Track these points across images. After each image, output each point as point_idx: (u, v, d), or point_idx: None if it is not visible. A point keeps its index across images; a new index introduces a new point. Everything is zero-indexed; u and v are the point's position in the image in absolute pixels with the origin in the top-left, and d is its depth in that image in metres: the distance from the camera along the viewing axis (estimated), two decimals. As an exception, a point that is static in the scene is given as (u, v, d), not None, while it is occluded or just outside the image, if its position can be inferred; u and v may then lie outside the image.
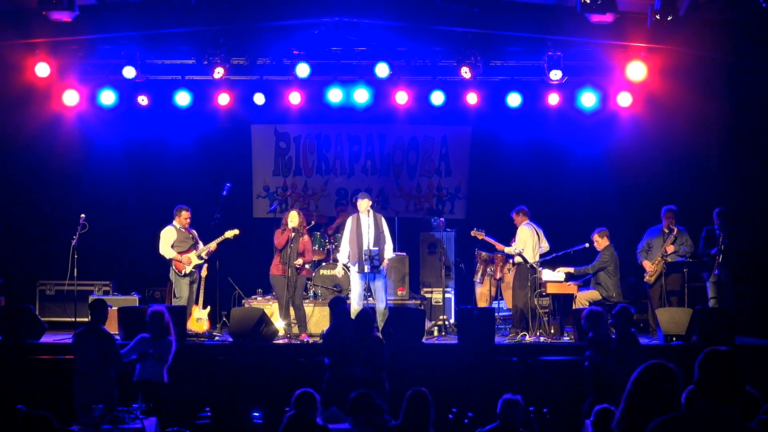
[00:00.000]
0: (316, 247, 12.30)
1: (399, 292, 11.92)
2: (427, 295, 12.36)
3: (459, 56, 11.61)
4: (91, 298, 11.61)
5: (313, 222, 12.21)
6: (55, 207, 13.10)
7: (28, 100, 12.22)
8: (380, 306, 10.76)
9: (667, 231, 11.24)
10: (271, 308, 11.41)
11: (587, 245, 11.38)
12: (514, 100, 12.26)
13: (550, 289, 11.13)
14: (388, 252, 11.16)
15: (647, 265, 11.23)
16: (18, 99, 12.11)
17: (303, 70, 11.71)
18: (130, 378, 8.28)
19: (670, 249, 11.06)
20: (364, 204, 11.17)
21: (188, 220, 11.28)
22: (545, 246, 11.44)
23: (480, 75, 11.79)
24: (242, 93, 12.45)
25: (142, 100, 12.34)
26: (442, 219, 12.17)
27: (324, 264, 12.41)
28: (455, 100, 12.36)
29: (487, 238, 11.55)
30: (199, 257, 11.17)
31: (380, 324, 10.38)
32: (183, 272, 11.07)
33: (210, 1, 10.95)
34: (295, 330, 10.97)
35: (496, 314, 10.98)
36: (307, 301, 11.72)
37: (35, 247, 13.03)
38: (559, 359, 9.97)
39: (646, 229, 11.53)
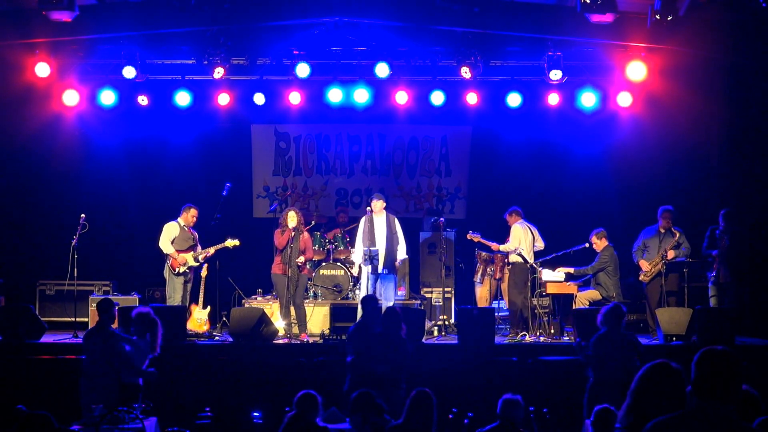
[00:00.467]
0: (316, 247, 12.30)
1: (399, 292, 11.93)
2: (427, 295, 12.38)
3: (459, 56, 11.61)
4: (92, 299, 11.67)
5: (313, 222, 12.20)
6: (55, 207, 13.10)
7: (28, 100, 12.22)
8: (387, 306, 10.78)
9: (663, 231, 11.24)
10: (271, 308, 11.42)
11: (587, 245, 11.39)
12: (514, 100, 12.26)
13: (550, 289, 11.14)
14: (401, 253, 11.31)
15: (644, 264, 11.24)
16: (18, 99, 12.11)
17: (303, 70, 11.71)
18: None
19: (672, 254, 11.07)
20: (378, 205, 11.26)
21: (195, 219, 11.32)
22: (540, 244, 11.46)
23: (480, 75, 11.79)
24: (242, 93, 12.45)
25: (142, 100, 12.34)
26: (442, 219, 12.17)
27: (324, 264, 12.41)
28: (455, 100, 12.37)
29: (483, 240, 11.62)
30: (195, 260, 11.19)
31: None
32: (177, 270, 11.07)
33: (210, 1, 10.95)
34: (295, 330, 10.98)
35: (496, 314, 10.98)
36: (307, 301, 11.72)
37: (35, 247, 13.04)
38: (559, 359, 9.97)
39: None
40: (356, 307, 11.43)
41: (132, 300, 11.65)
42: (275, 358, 10.10)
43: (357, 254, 11.40)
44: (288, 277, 10.91)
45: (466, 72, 11.58)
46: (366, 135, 14.09)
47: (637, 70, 11.45)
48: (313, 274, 12.23)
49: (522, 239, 11.32)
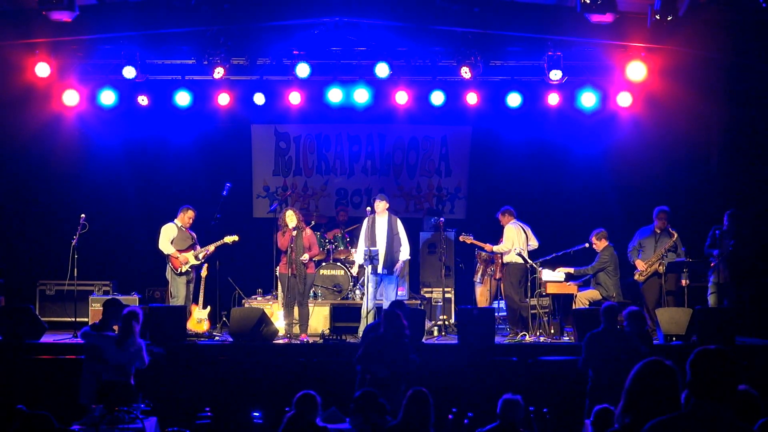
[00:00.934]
0: (317, 247, 12.31)
1: (399, 292, 11.93)
2: (427, 295, 12.38)
3: (459, 56, 11.61)
4: (92, 299, 11.67)
5: (313, 222, 12.20)
6: (55, 207, 13.10)
7: (28, 100, 12.22)
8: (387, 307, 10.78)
9: (659, 231, 11.27)
10: (271, 308, 11.42)
11: (587, 245, 11.39)
12: (514, 100, 12.26)
13: (550, 289, 11.15)
14: (403, 254, 11.32)
15: (640, 264, 11.26)
16: (18, 99, 12.11)
17: (303, 70, 11.71)
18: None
19: (672, 257, 11.10)
20: (381, 206, 11.29)
21: (191, 221, 11.33)
22: (534, 243, 11.47)
23: (480, 75, 11.79)
24: (242, 93, 12.45)
25: (142, 100, 12.34)
26: (442, 219, 12.17)
27: (324, 264, 12.41)
28: (455, 100, 12.36)
29: (476, 242, 11.66)
30: (196, 258, 11.20)
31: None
32: (179, 270, 11.08)
33: (210, 1, 10.95)
34: (296, 330, 10.98)
35: (496, 314, 10.98)
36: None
37: (35, 247, 13.04)
38: (559, 359, 9.97)
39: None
40: (356, 308, 11.45)
41: (132, 300, 11.64)
42: (275, 358, 10.10)
43: (358, 254, 11.41)
44: (294, 277, 10.90)
45: (466, 72, 11.58)
46: (366, 135, 14.09)
47: (637, 70, 11.45)
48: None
49: (515, 240, 11.32)
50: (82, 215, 11.04)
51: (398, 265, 11.24)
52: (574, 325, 10.57)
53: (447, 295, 11.96)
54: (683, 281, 11.01)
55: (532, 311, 11.16)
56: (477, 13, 10.97)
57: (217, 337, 10.98)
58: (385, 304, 10.72)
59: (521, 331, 11.07)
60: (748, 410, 4.53)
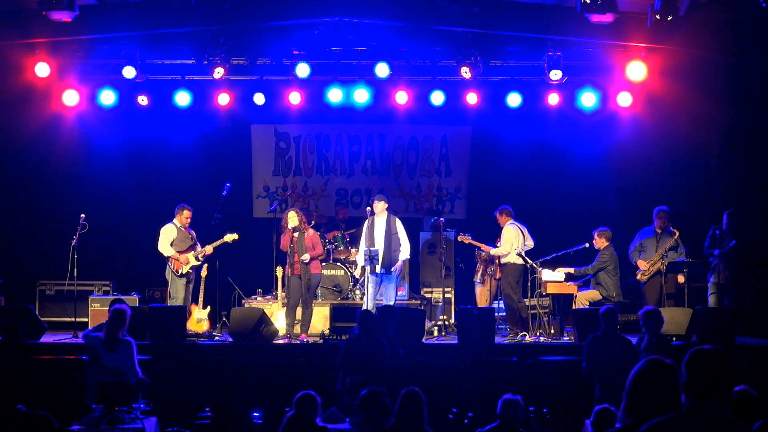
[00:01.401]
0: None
1: (399, 292, 11.94)
2: (427, 295, 12.37)
3: (459, 56, 11.61)
4: (92, 299, 11.66)
5: (313, 222, 12.20)
6: (55, 207, 13.10)
7: (28, 100, 12.22)
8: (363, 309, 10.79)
9: (660, 231, 11.27)
10: (271, 308, 11.41)
11: (587, 245, 11.38)
12: (514, 100, 12.26)
13: (550, 289, 11.14)
14: (403, 254, 11.31)
15: (642, 264, 11.26)
16: (18, 99, 12.11)
17: (303, 70, 11.71)
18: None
19: (674, 255, 11.09)
20: (380, 206, 11.30)
21: (189, 220, 11.30)
22: (530, 243, 11.46)
23: (480, 75, 11.79)
24: (242, 93, 12.45)
25: (142, 100, 12.34)
26: (442, 219, 12.17)
27: (324, 264, 12.39)
28: (455, 100, 12.37)
29: (474, 242, 11.64)
30: (197, 258, 11.19)
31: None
32: (180, 272, 11.08)
33: (210, 1, 10.95)
34: (296, 330, 10.98)
35: (496, 314, 10.97)
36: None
37: (35, 247, 13.03)
38: (559, 359, 9.97)
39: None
40: (356, 308, 11.44)
41: (132, 300, 11.64)
42: (275, 358, 10.09)
43: (359, 256, 11.42)
44: (297, 278, 10.90)
45: (466, 72, 11.58)
46: (366, 135, 14.09)
47: (637, 70, 11.45)
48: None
49: (513, 241, 11.30)
50: (82, 215, 11.03)
51: (397, 265, 11.24)
52: (574, 325, 10.57)
53: (447, 295, 11.97)
54: (680, 277, 11.02)
55: (532, 311, 11.16)
56: (477, 13, 10.97)
57: (217, 337, 10.98)
58: (385, 304, 10.73)
59: (521, 331, 11.07)
60: (748, 410, 4.53)
